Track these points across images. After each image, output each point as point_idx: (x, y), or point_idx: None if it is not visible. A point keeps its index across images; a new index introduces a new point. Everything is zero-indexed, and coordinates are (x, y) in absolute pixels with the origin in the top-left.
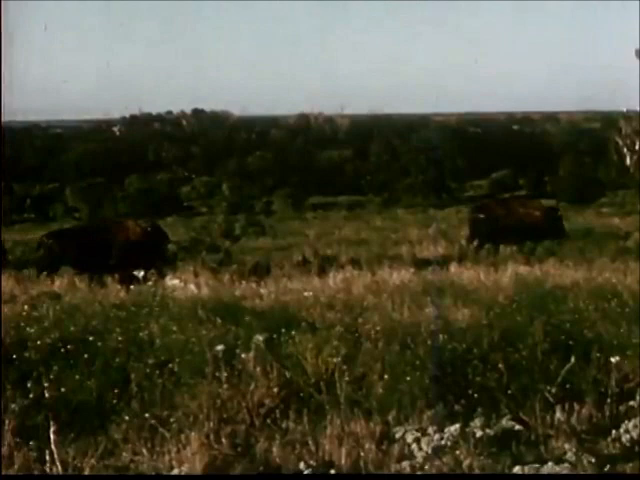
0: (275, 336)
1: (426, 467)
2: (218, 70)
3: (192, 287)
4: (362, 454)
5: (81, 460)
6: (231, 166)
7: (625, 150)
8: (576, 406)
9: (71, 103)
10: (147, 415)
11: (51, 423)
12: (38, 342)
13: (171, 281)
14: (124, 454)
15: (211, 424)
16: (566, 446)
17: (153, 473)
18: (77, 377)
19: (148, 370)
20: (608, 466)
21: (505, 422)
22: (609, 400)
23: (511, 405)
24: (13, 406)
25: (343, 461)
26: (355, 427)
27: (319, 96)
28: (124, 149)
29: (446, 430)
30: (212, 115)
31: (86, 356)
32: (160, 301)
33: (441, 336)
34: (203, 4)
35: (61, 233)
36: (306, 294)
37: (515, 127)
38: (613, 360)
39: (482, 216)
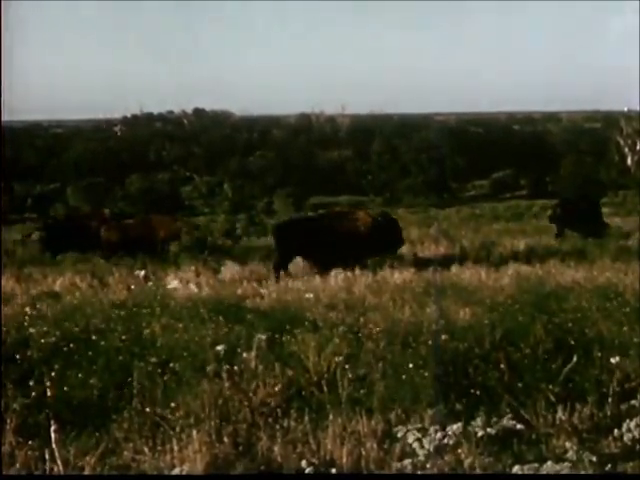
0: (277, 335)
1: (428, 466)
2: (218, 70)
3: (193, 287)
4: (364, 453)
5: (82, 459)
6: (232, 166)
7: (626, 150)
8: (578, 405)
9: (72, 103)
10: (149, 414)
11: (52, 422)
12: (40, 341)
13: (172, 281)
14: (125, 453)
15: (213, 423)
16: (567, 445)
17: (155, 472)
18: (79, 376)
19: (150, 369)
20: (609, 465)
21: (506, 421)
22: (610, 399)
23: (513, 404)
24: (14, 405)
25: (344, 460)
26: (357, 426)
27: (320, 96)
28: (125, 148)
29: (448, 429)
30: (213, 115)
31: (87, 355)
32: (161, 301)
33: (443, 335)
34: (204, 4)
35: (291, 223)
36: (307, 295)
37: (516, 127)
38: (614, 360)
39: None
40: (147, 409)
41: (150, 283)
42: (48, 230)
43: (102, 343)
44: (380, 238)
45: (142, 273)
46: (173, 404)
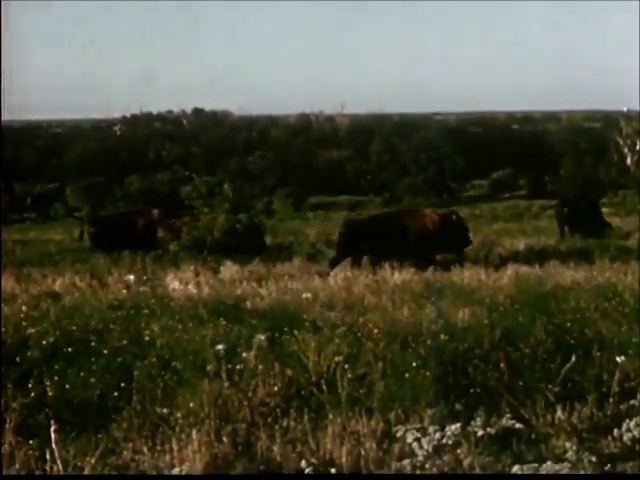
0: (276, 335)
1: (427, 466)
2: (218, 70)
3: (192, 287)
4: (363, 453)
5: (82, 459)
6: (232, 166)
7: (625, 150)
8: (577, 405)
9: (71, 103)
10: (148, 414)
11: (52, 422)
12: (39, 341)
13: (172, 281)
14: (125, 453)
15: (212, 423)
16: (567, 445)
17: (154, 472)
18: (79, 375)
19: (149, 369)
20: (609, 465)
21: (506, 421)
22: (610, 399)
23: (512, 404)
24: (14, 405)
25: (344, 460)
26: (356, 426)
27: (319, 95)
28: (124, 148)
29: (447, 429)
30: (212, 114)
31: (87, 355)
32: (159, 301)
33: (442, 335)
34: (203, 4)
35: (357, 221)
36: (307, 295)
37: (515, 126)
38: (614, 359)
39: None
40: (147, 409)
41: (142, 288)
42: (98, 228)
43: (101, 343)
44: (447, 237)
45: (132, 278)
46: (172, 404)
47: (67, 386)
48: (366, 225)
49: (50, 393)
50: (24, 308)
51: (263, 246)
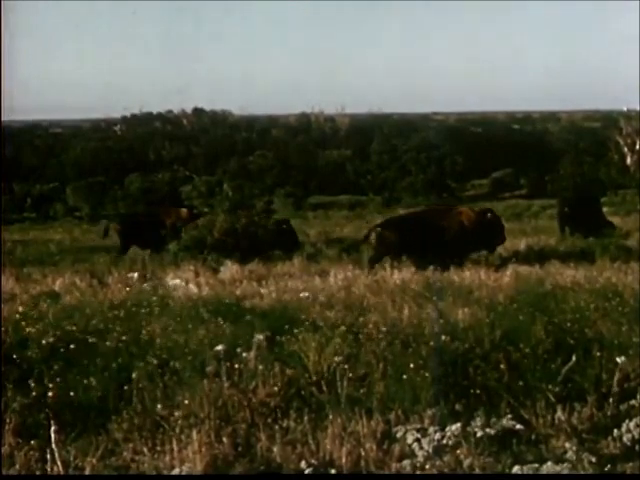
0: (276, 335)
1: (427, 466)
2: (218, 70)
3: (192, 286)
4: (363, 453)
5: (82, 460)
6: (232, 165)
7: (625, 149)
8: (577, 405)
9: (71, 103)
10: (148, 414)
11: (52, 422)
12: (39, 342)
13: (172, 281)
14: (125, 453)
15: (212, 423)
16: (567, 445)
17: (154, 473)
18: (78, 376)
19: (149, 369)
20: (609, 466)
21: (506, 421)
22: (610, 399)
23: (512, 404)
24: (14, 405)
25: (344, 460)
26: (356, 426)
27: (319, 96)
28: (125, 148)
29: (447, 429)
30: (212, 114)
31: (87, 355)
32: (160, 300)
33: (442, 336)
34: (203, 4)
35: (394, 219)
36: (306, 295)
37: (515, 126)
38: (614, 360)
39: None
40: (147, 409)
41: (145, 285)
42: (126, 226)
43: (101, 343)
44: (483, 235)
45: (135, 275)
46: (172, 404)
47: (67, 386)
48: (404, 223)
49: (50, 393)
50: (23, 308)
51: (296, 243)
